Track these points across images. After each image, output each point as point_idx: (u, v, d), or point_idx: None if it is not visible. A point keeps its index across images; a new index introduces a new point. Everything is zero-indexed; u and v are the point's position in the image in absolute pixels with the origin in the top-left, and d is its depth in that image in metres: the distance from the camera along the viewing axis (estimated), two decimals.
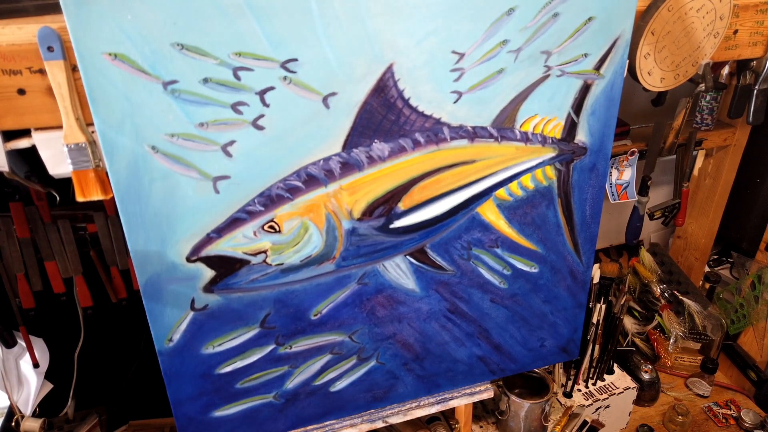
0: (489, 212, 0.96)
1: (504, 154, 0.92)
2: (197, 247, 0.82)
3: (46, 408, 1.16)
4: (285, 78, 0.74)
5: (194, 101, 0.72)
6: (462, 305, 1.03)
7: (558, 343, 1.16)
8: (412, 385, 1.09)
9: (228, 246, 0.83)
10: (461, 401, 1.13)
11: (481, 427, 1.33)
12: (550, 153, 0.95)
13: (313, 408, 1.04)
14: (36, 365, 1.11)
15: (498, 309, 1.06)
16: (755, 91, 1.17)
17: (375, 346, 1.02)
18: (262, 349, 0.94)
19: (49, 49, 0.66)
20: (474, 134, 0.88)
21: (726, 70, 1.20)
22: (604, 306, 1.28)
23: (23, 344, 1.10)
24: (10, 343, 1.08)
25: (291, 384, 1.00)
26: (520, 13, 0.81)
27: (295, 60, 0.74)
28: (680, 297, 1.48)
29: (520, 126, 0.90)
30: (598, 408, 1.33)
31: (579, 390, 1.35)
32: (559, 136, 0.94)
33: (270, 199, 0.82)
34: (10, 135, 0.74)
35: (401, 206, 0.89)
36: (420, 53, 0.79)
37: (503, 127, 0.90)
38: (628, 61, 0.93)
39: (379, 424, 1.08)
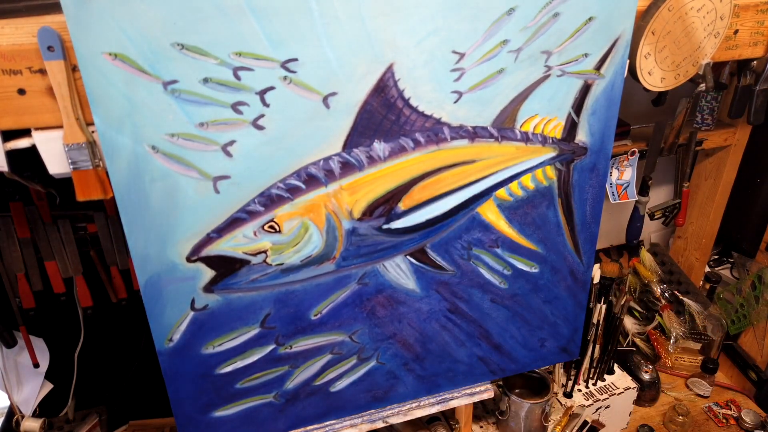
0: (489, 212, 0.96)
1: (504, 154, 0.92)
2: (197, 247, 0.82)
3: (46, 408, 1.16)
4: (285, 78, 0.74)
5: (194, 101, 0.72)
6: (462, 305, 1.03)
7: (558, 343, 1.16)
8: (413, 386, 1.09)
9: (228, 246, 0.83)
10: (461, 401, 1.13)
11: (481, 427, 1.33)
12: (550, 153, 0.95)
13: (313, 408, 1.04)
14: (36, 365, 1.11)
15: (498, 309, 1.06)
16: (756, 91, 1.17)
17: (375, 346, 1.02)
18: (262, 349, 0.94)
19: (50, 48, 0.66)
20: (474, 134, 0.88)
21: (726, 70, 1.20)
22: (604, 306, 1.28)
23: (23, 344, 1.10)
24: (10, 343, 1.08)
25: (291, 384, 1.00)
26: (521, 13, 0.81)
27: (296, 60, 0.74)
28: (681, 297, 1.48)
29: (521, 126, 0.90)
30: (599, 408, 1.33)
31: (579, 390, 1.35)
32: (559, 136, 0.94)
33: (270, 199, 0.82)
34: (10, 135, 0.74)
35: (401, 206, 0.89)
36: (420, 53, 0.79)
37: (503, 127, 0.89)
38: (628, 61, 0.93)
39: (380, 425, 1.08)
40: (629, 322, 1.46)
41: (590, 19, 0.85)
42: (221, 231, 0.82)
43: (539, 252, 1.03)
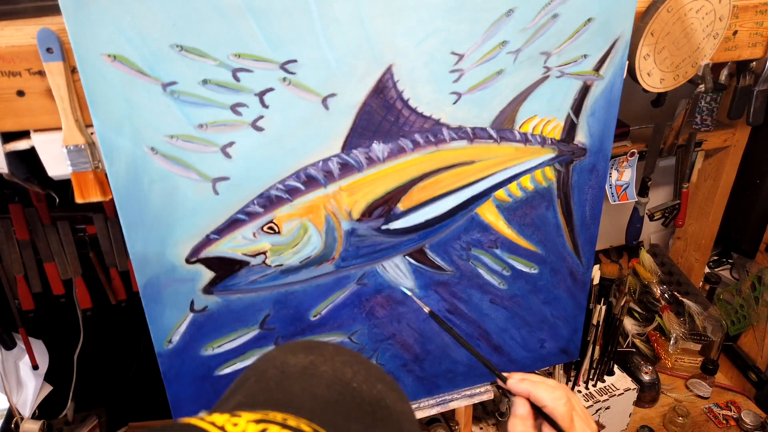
0: (488, 213, 0.96)
1: (503, 154, 0.92)
2: (197, 248, 0.82)
3: (45, 410, 1.16)
4: (284, 79, 0.74)
5: (193, 102, 0.72)
6: (461, 306, 1.03)
7: (558, 344, 1.16)
8: (412, 387, 1.09)
9: (227, 247, 0.83)
10: (461, 403, 1.13)
11: (481, 428, 1.33)
12: (549, 154, 0.95)
13: None
14: (35, 367, 1.11)
15: (497, 310, 1.06)
16: (755, 92, 1.17)
17: (374, 347, 1.01)
18: (262, 350, 0.94)
19: (49, 50, 0.66)
20: (473, 135, 0.88)
21: (726, 71, 1.20)
22: (604, 307, 1.28)
23: (23, 346, 1.10)
24: (10, 345, 1.08)
25: None
26: (520, 14, 0.81)
27: (295, 61, 0.74)
28: (680, 298, 1.48)
29: (520, 127, 0.90)
30: (599, 409, 1.33)
31: (579, 391, 1.35)
32: (558, 137, 0.94)
33: (269, 200, 0.82)
34: (9, 136, 0.74)
35: (400, 207, 0.89)
36: (419, 54, 0.79)
37: (503, 128, 0.90)
38: (627, 62, 0.93)
39: None
40: (629, 323, 1.46)
41: (589, 20, 0.85)
42: (220, 232, 0.82)
43: (538, 253, 1.03)
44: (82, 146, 0.72)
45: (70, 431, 1.20)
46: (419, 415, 1.10)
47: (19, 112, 0.70)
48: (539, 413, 0.71)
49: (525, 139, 0.92)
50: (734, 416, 1.42)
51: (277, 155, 0.79)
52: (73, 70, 0.68)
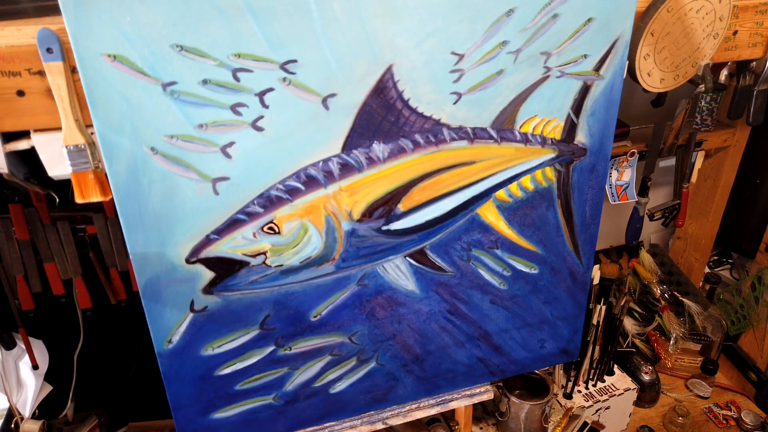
0: (489, 213, 0.96)
1: (504, 155, 0.92)
2: (197, 248, 0.82)
3: (45, 410, 1.16)
4: (284, 79, 0.74)
5: (193, 102, 0.72)
6: (462, 306, 1.03)
7: (558, 344, 1.16)
8: (412, 387, 1.09)
9: (227, 247, 0.83)
10: (461, 403, 1.13)
11: (481, 428, 1.33)
12: (549, 154, 0.95)
13: (312, 410, 1.03)
14: (35, 367, 1.11)
15: (498, 310, 1.06)
16: (755, 92, 1.17)
17: (375, 348, 1.01)
18: (262, 350, 0.94)
19: (49, 50, 0.66)
20: (474, 135, 0.88)
21: (726, 71, 1.20)
22: (604, 307, 1.28)
23: (23, 346, 1.10)
24: (10, 345, 1.08)
25: (291, 386, 0.99)
26: (520, 14, 0.81)
27: (295, 61, 0.74)
28: (680, 298, 1.48)
29: (520, 127, 0.90)
30: (599, 409, 1.33)
31: (579, 391, 1.35)
32: (558, 137, 0.94)
33: (269, 201, 0.82)
34: (10, 136, 0.74)
35: (401, 207, 0.89)
36: (419, 54, 0.79)
37: (503, 128, 0.89)
38: (627, 62, 0.93)
39: (379, 426, 1.08)
40: (629, 323, 1.46)
41: (589, 20, 0.85)
42: (221, 232, 0.82)
43: (539, 253, 1.03)
44: (82, 146, 0.72)
45: (70, 431, 1.20)
46: (419, 415, 1.10)
47: (19, 112, 0.70)
48: None
49: (525, 139, 0.92)
50: (734, 416, 1.42)
51: (277, 155, 0.79)
52: (73, 70, 0.68)
